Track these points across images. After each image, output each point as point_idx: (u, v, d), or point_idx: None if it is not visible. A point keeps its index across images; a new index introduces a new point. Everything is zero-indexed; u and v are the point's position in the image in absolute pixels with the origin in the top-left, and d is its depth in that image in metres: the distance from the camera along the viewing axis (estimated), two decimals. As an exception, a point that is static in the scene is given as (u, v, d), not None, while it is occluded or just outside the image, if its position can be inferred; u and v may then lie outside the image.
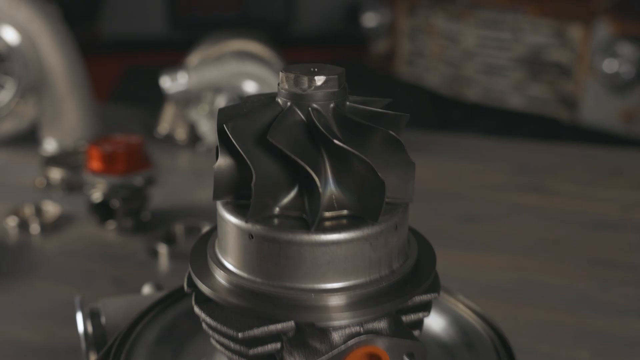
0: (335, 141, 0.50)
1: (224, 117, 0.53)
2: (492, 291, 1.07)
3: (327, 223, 0.52)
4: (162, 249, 1.15)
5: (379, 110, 0.54)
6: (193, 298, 0.57)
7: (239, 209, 0.54)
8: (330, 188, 0.52)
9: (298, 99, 0.53)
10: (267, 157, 0.51)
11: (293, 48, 4.13)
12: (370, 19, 4.22)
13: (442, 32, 3.78)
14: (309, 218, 0.51)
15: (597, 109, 3.22)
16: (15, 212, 1.26)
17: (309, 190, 0.52)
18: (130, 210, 1.23)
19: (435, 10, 3.81)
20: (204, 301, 0.55)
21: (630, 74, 3.08)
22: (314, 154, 0.51)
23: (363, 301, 0.52)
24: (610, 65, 3.10)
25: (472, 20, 3.60)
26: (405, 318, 0.56)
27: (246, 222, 0.52)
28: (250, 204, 0.51)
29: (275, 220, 0.52)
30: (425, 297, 0.56)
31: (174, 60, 1.84)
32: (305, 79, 0.52)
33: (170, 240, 1.19)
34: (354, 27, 4.73)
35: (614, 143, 2.48)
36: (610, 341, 0.94)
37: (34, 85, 1.58)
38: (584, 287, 1.08)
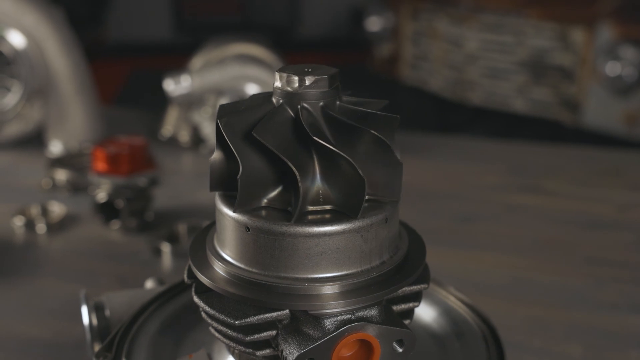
0: (315, 138, 0.52)
1: (221, 113, 0.55)
2: (489, 289, 1.09)
3: (319, 216, 0.54)
4: (166, 248, 1.17)
5: (370, 110, 0.56)
6: (193, 289, 0.59)
7: (240, 205, 0.56)
8: (317, 184, 0.54)
9: (289, 97, 0.55)
10: (255, 152, 0.54)
11: (297, 52, 4.15)
12: (374, 23, 4.24)
13: (445, 36, 3.80)
14: (292, 211, 0.54)
15: (600, 112, 3.23)
16: (22, 212, 1.29)
17: (293, 185, 0.54)
18: (135, 210, 1.25)
19: (439, 14, 3.82)
20: (204, 291, 0.58)
21: (633, 77, 3.09)
22: (300, 151, 0.54)
23: (354, 290, 0.54)
24: (612, 69, 3.12)
25: (475, 24, 3.62)
26: (396, 307, 0.58)
27: (234, 212, 0.54)
28: (237, 195, 0.53)
29: (270, 213, 0.54)
30: (414, 288, 0.58)
31: (178, 64, 1.87)
32: (296, 79, 0.55)
33: (173, 239, 1.21)
34: (357, 31, 4.74)
35: (616, 146, 2.49)
36: (602, 336, 0.96)
37: (39, 89, 1.60)
38: (578, 285, 1.10)
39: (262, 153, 0.54)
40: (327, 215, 0.54)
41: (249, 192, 0.54)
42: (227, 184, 0.56)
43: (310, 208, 0.54)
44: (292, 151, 0.53)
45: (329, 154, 0.53)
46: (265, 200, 0.55)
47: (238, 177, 0.52)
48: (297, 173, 0.52)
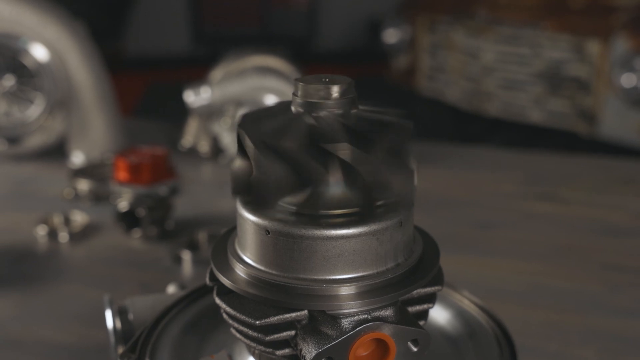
0: (320, 144, 0.54)
1: (242, 120, 0.57)
2: (506, 294, 1.10)
3: (337, 219, 0.56)
4: (186, 256, 1.19)
5: (382, 118, 0.58)
6: (215, 291, 0.61)
7: (255, 207, 0.58)
8: (332, 187, 0.56)
9: (306, 106, 0.57)
10: (270, 158, 0.56)
11: (314, 64, 4.17)
12: (391, 35, 4.26)
13: (462, 48, 3.82)
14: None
15: (616, 123, 3.23)
16: (45, 222, 1.31)
17: (304, 189, 0.56)
18: (155, 218, 1.27)
19: (455, 26, 3.84)
20: (225, 293, 0.60)
21: (649, 89, 3.10)
22: (314, 157, 0.55)
23: (370, 291, 0.56)
24: (628, 80, 3.12)
25: (492, 36, 3.63)
26: (411, 309, 0.59)
27: (254, 214, 0.57)
28: (253, 198, 0.56)
29: (290, 217, 0.56)
30: (429, 289, 0.59)
31: (196, 76, 1.89)
32: (312, 88, 0.57)
33: (193, 247, 1.23)
34: (375, 43, 4.77)
35: (632, 157, 2.49)
36: (617, 341, 0.97)
37: (62, 101, 1.63)
38: (594, 291, 1.12)
39: (276, 159, 0.56)
40: (345, 219, 0.56)
41: (263, 196, 0.56)
42: (247, 189, 0.58)
43: (329, 212, 0.56)
44: (303, 157, 0.55)
45: (338, 159, 0.55)
46: (283, 204, 0.57)
47: (251, 180, 0.55)
48: (312, 176, 0.54)
